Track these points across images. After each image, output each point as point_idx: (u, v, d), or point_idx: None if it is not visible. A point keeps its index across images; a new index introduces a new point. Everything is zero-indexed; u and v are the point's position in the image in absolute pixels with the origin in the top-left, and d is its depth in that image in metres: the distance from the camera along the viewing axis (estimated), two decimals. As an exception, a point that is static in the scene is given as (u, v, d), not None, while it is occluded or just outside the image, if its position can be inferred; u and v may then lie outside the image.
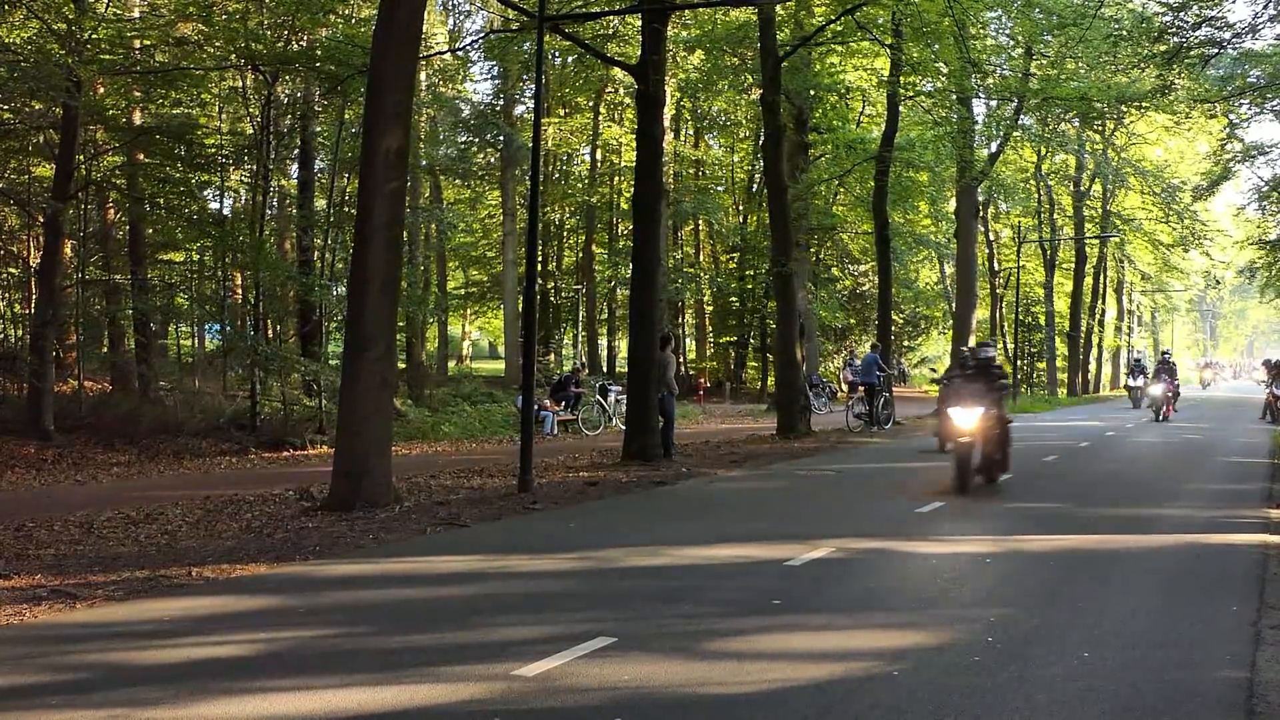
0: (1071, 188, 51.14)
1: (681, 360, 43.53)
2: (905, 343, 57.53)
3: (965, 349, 19.22)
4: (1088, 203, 51.94)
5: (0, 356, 22.21)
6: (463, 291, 50.07)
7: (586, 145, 46.06)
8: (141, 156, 23.70)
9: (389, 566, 9.41)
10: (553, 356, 44.71)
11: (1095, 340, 57.56)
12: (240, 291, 28.10)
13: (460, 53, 37.18)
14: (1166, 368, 32.12)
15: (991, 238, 49.00)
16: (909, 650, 6.59)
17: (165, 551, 10.00)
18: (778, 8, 24.67)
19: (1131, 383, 35.58)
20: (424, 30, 17.26)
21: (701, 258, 48.33)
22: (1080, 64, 30.72)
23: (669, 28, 19.92)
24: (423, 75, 30.06)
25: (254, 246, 23.25)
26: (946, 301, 47.67)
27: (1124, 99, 30.35)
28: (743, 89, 36.00)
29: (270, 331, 25.71)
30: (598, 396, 27.46)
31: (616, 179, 44.05)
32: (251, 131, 25.85)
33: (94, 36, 20.57)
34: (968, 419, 13.72)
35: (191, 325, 31.70)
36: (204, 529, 11.22)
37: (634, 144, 20.85)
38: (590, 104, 43.62)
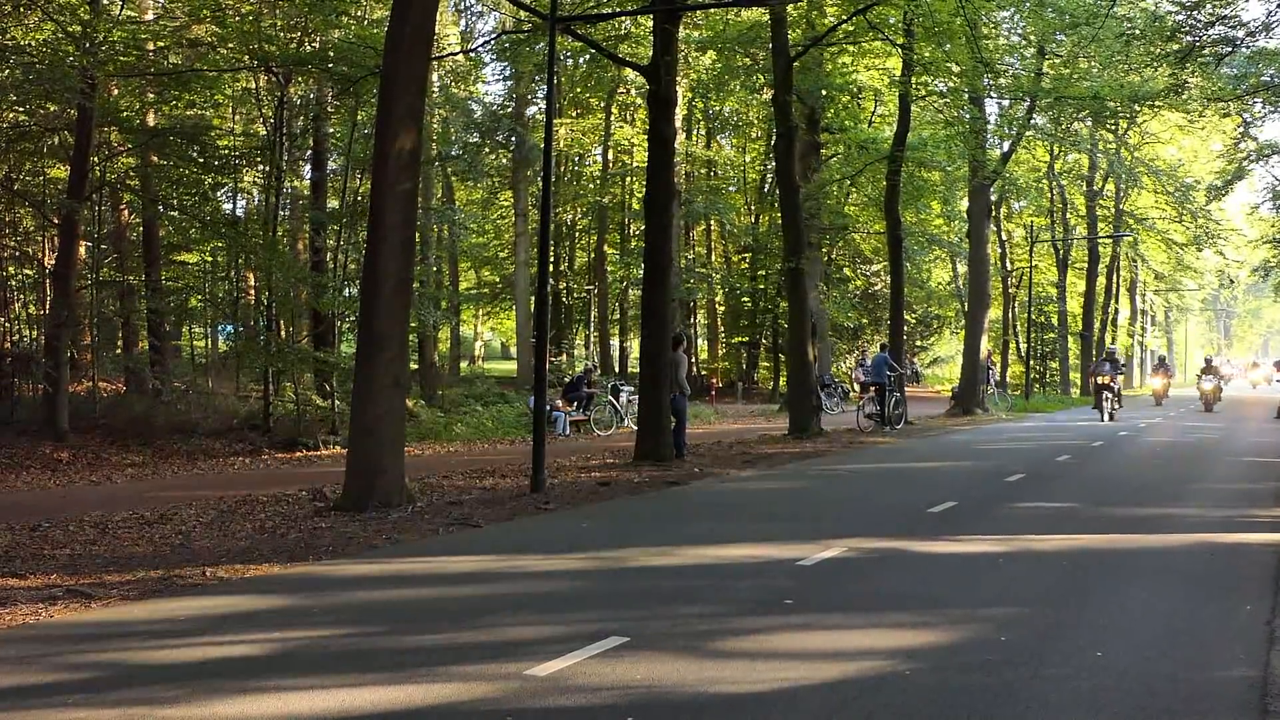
0: (1084, 187, 51.02)
1: (693, 360, 43.49)
2: (918, 342, 57.46)
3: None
4: (1100, 202, 51.81)
5: (16, 358, 22.33)
6: (475, 292, 50.12)
7: (598, 146, 46.07)
8: (155, 158, 23.82)
9: (402, 567, 9.44)
10: (565, 357, 44.77)
11: (1108, 340, 57.35)
12: (253, 292, 28.20)
13: (472, 54, 37.23)
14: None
15: (1004, 237, 48.91)
16: (921, 649, 6.59)
17: (179, 552, 10.05)
18: (789, 8, 24.66)
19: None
20: (436, 31, 17.28)
21: (713, 258, 48.30)
22: (1093, 63, 30.64)
23: (680, 28, 19.91)
24: (435, 76, 30.11)
25: (267, 247, 23.30)
26: (959, 301, 47.58)
27: (1137, 98, 30.24)
28: (754, 89, 35.95)
29: (283, 332, 25.78)
30: (610, 397, 27.48)
31: (628, 179, 44.03)
32: (264, 133, 25.93)
33: (108, 39, 20.66)
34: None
35: (205, 326, 31.81)
36: (218, 529, 11.27)
37: (646, 144, 20.86)
38: (602, 105, 43.61)
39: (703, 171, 46.31)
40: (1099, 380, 30.58)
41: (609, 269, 45.88)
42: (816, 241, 33.55)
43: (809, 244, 28.01)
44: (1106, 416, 29.44)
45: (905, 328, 38.70)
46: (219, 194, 27.70)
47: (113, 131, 23.09)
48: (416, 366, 29.43)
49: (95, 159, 22.21)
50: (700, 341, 49.48)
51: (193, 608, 7.78)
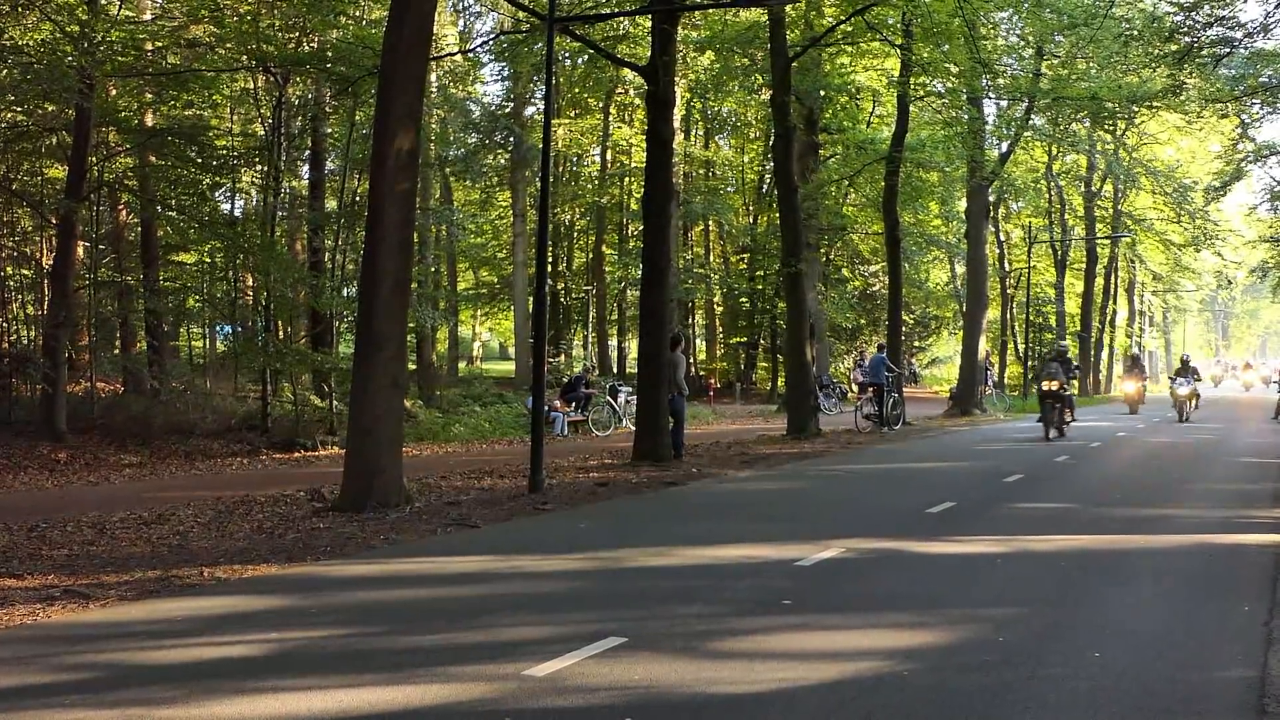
0: (1082, 188, 51.01)
1: (692, 361, 43.48)
2: (916, 343, 57.47)
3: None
4: (1099, 203, 51.81)
5: (14, 358, 22.30)
6: (473, 293, 50.11)
7: (597, 146, 46.06)
8: (153, 158, 23.79)
9: (400, 567, 9.43)
10: (563, 357, 44.76)
11: (1106, 341, 57.36)
12: (251, 292, 28.20)
13: (471, 54, 37.22)
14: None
15: (1002, 238, 48.88)
16: (919, 650, 6.59)
17: (177, 552, 10.03)
18: (788, 8, 24.65)
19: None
20: (434, 32, 17.27)
21: (712, 258, 48.32)
22: (1091, 64, 30.65)
23: (679, 29, 19.90)
24: (433, 76, 30.08)
25: (265, 248, 23.29)
26: (957, 302, 47.57)
27: (1135, 99, 30.26)
28: (753, 89, 35.96)
29: (281, 332, 25.77)
30: (608, 397, 27.46)
31: (627, 180, 44.04)
32: (263, 133, 25.92)
33: (107, 39, 20.64)
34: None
35: (203, 326, 31.81)
36: (215, 530, 11.26)
37: (644, 145, 20.87)
38: (600, 105, 43.60)
39: (701, 172, 46.31)
40: (1043, 385, 23.73)
41: (607, 269, 45.87)
42: (815, 242, 33.56)
43: (807, 244, 28.03)
44: (1054, 432, 23.05)
45: (903, 328, 38.75)
46: (217, 194, 27.67)
47: (111, 131, 23.06)
48: (414, 367, 29.42)
49: (93, 159, 22.17)
50: (698, 342, 49.49)
51: (190, 608, 7.77)
